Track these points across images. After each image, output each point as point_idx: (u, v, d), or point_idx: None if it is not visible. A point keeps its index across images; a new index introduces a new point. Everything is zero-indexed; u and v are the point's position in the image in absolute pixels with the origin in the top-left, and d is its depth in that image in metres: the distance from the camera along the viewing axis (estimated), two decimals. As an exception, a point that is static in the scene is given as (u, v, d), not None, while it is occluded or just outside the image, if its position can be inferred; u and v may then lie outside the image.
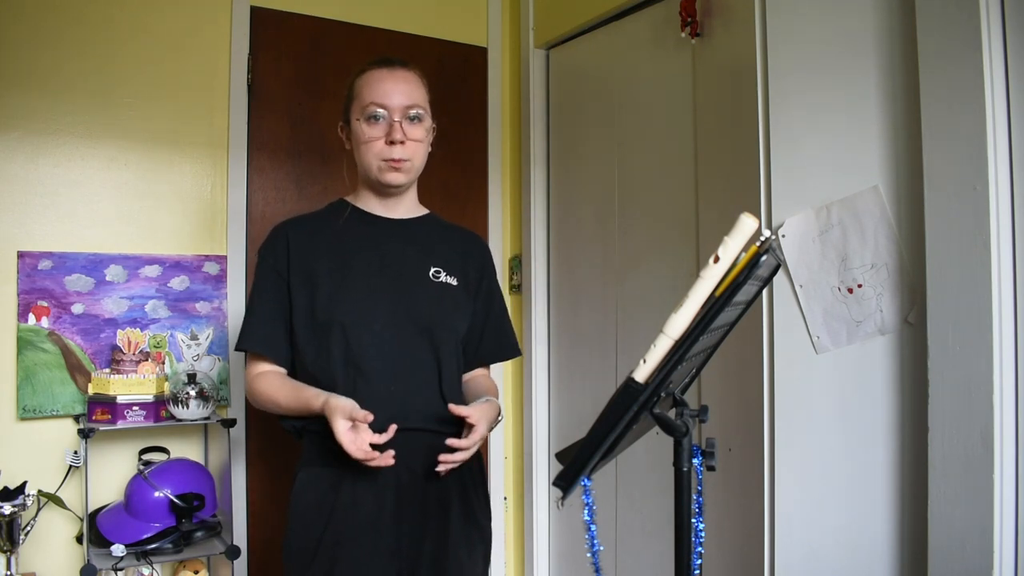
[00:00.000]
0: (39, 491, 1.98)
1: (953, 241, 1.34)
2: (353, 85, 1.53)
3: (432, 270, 1.54)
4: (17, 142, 2.07)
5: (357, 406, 1.34)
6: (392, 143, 1.47)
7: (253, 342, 1.49)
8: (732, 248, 0.86)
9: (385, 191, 1.54)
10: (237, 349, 1.52)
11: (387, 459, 1.35)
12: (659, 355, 0.86)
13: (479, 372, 1.66)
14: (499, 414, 1.54)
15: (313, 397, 1.41)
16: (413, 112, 1.49)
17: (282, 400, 1.46)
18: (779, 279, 1.63)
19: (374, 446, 1.35)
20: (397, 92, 1.48)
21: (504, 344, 1.65)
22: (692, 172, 2.08)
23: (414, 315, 1.49)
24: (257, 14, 2.38)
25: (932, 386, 1.36)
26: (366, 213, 1.56)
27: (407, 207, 1.59)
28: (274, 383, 1.48)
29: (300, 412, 1.44)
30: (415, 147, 1.50)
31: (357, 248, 1.52)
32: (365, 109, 1.48)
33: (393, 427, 1.37)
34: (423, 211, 1.63)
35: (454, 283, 1.56)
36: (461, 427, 1.54)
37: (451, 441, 1.41)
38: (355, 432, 1.34)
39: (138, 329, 2.14)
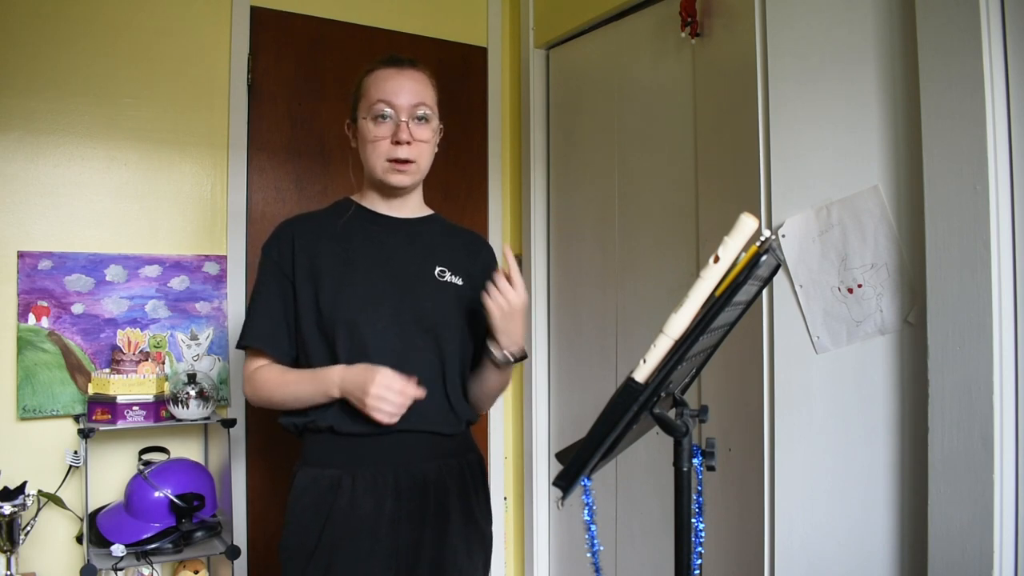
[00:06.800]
0: (39, 491, 1.98)
1: (953, 241, 1.34)
2: (361, 83, 1.52)
3: (437, 269, 1.54)
4: (17, 142, 2.07)
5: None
6: (398, 143, 1.46)
7: (255, 339, 1.49)
8: (732, 248, 0.86)
9: (390, 192, 1.53)
10: (239, 347, 1.51)
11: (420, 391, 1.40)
12: (659, 355, 0.86)
13: None
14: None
15: (327, 370, 1.42)
16: (420, 112, 1.48)
17: (291, 383, 1.45)
18: (779, 279, 1.63)
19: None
20: (405, 91, 1.47)
21: None
22: (692, 172, 2.08)
23: (418, 314, 1.48)
24: (257, 14, 2.38)
25: (932, 386, 1.36)
26: (371, 212, 1.55)
27: (412, 207, 1.58)
28: (280, 372, 1.47)
29: (310, 393, 1.43)
30: (421, 148, 1.49)
31: (361, 246, 1.51)
32: (372, 107, 1.47)
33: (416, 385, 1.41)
34: (428, 211, 1.62)
35: (459, 283, 1.55)
36: (461, 429, 1.54)
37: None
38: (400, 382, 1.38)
39: (138, 329, 2.14)
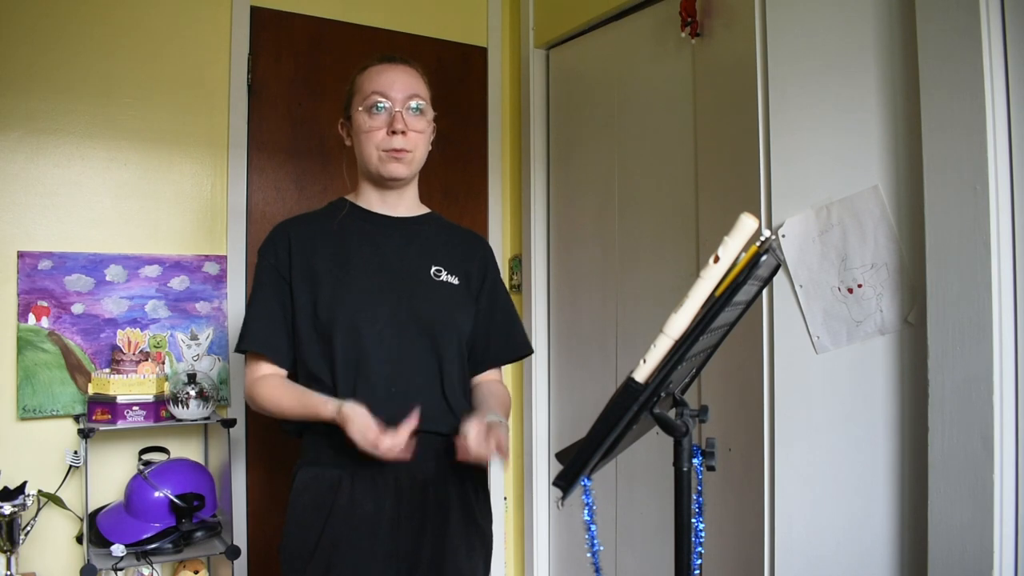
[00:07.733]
0: (39, 491, 1.99)
1: (953, 241, 1.34)
2: (355, 80, 1.53)
3: (433, 269, 1.53)
4: (17, 142, 2.07)
5: (370, 418, 1.31)
6: (394, 132, 1.46)
7: (253, 343, 1.48)
8: (732, 248, 0.86)
9: (385, 184, 1.53)
10: (237, 350, 1.51)
11: (406, 453, 1.31)
12: (659, 355, 0.86)
13: (490, 376, 1.62)
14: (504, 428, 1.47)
15: (321, 404, 1.38)
16: (415, 103, 1.48)
17: (286, 406, 1.44)
18: (779, 279, 1.63)
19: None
20: (399, 83, 1.48)
21: (512, 343, 1.61)
22: (692, 172, 2.08)
23: (415, 315, 1.47)
24: (257, 14, 2.38)
25: (932, 386, 1.36)
26: (365, 211, 1.55)
27: (408, 205, 1.58)
28: (277, 388, 1.46)
29: (306, 418, 1.42)
30: (416, 138, 1.49)
31: (357, 246, 1.51)
32: (367, 99, 1.47)
33: (408, 428, 1.33)
34: (425, 210, 1.62)
35: (455, 282, 1.54)
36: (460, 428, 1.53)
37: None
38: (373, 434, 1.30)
39: (138, 329, 2.14)
